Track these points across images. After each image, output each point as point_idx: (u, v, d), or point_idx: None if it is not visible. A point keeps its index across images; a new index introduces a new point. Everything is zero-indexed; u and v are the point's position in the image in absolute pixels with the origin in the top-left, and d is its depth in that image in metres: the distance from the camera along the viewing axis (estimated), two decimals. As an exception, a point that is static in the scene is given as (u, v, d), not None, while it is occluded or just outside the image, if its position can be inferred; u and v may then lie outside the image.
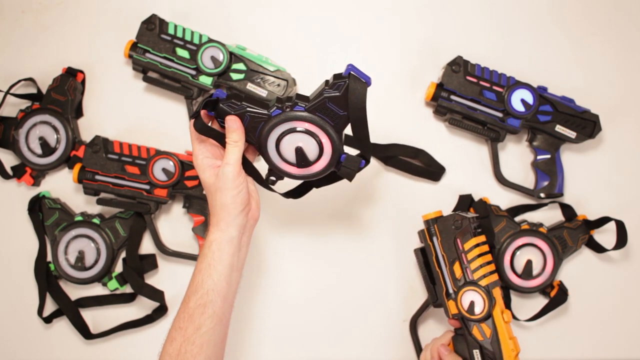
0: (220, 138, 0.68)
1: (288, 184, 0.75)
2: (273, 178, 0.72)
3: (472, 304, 0.75)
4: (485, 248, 0.78)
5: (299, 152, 0.68)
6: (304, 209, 0.91)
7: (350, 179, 0.69)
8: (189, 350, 0.64)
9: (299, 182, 0.74)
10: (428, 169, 0.90)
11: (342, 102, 0.65)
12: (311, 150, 0.68)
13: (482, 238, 0.78)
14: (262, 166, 0.72)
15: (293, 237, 0.91)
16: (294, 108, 0.66)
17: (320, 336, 0.90)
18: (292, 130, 0.67)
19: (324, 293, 0.90)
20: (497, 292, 0.76)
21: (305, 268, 0.91)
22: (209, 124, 0.69)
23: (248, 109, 0.67)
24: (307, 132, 0.67)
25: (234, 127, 0.67)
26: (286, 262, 0.91)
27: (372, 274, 0.90)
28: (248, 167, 0.70)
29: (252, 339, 0.90)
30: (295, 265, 0.91)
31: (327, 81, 0.66)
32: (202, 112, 0.67)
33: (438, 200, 0.89)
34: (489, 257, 0.78)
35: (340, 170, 0.69)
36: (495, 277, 0.77)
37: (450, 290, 0.77)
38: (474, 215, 0.81)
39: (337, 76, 0.65)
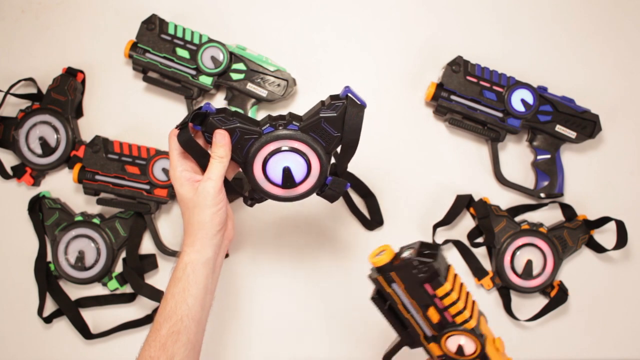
0: (201, 157, 0.65)
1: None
2: (252, 201, 0.70)
3: (460, 347, 0.62)
4: (464, 287, 0.63)
5: (287, 172, 0.66)
6: (296, 208, 0.91)
7: (333, 201, 0.69)
8: None
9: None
10: (366, 216, 0.89)
11: (338, 123, 0.64)
12: (299, 171, 0.67)
13: (457, 278, 0.62)
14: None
15: (288, 238, 0.91)
16: (287, 126, 0.65)
17: (320, 337, 0.90)
18: (282, 150, 0.66)
19: (322, 294, 0.90)
20: (484, 323, 0.64)
21: (303, 269, 0.91)
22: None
23: (239, 124, 0.65)
24: (297, 151, 0.66)
25: (222, 142, 0.64)
26: (282, 263, 0.91)
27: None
28: (226, 184, 0.66)
29: (249, 336, 0.90)
30: (293, 266, 0.91)
31: (322, 102, 0.65)
32: (189, 125, 0.64)
33: (438, 201, 0.89)
34: (469, 295, 0.63)
35: (325, 192, 0.68)
36: (476, 310, 0.63)
37: (429, 334, 0.63)
38: (435, 251, 0.61)
39: (334, 97, 0.64)
